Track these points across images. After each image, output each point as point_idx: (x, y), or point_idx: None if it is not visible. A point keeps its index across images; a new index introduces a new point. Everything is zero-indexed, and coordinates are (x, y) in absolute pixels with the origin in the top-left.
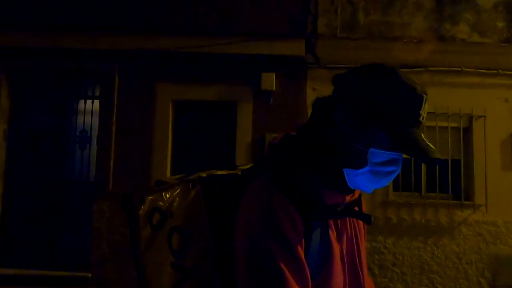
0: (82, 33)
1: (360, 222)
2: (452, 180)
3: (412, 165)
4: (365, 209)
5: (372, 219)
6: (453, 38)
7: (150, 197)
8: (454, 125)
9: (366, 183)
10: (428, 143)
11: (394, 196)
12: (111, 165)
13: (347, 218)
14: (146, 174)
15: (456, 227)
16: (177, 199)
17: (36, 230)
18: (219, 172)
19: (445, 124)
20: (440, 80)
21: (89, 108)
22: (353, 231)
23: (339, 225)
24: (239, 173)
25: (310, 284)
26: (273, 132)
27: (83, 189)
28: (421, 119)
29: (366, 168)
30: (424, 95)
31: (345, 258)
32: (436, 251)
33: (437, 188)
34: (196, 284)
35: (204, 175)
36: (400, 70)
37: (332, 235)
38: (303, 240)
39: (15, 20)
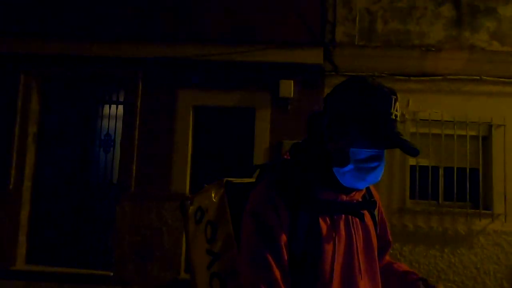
0: (108, 41)
1: (370, 223)
2: (470, 189)
3: (430, 173)
4: (383, 214)
5: (364, 215)
6: (472, 46)
7: (196, 199)
8: (473, 133)
9: (354, 179)
10: (402, 137)
11: (411, 203)
12: (134, 168)
13: (349, 219)
14: (167, 177)
15: (474, 236)
16: (210, 198)
17: (62, 229)
18: (245, 180)
19: (463, 132)
20: (459, 88)
21: (113, 113)
22: (353, 229)
23: (335, 219)
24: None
25: (286, 262)
26: (290, 138)
27: (106, 191)
28: (393, 117)
29: (351, 166)
30: (393, 96)
31: (341, 250)
32: (453, 259)
33: (455, 197)
34: (222, 265)
35: (233, 180)
36: (373, 78)
37: (325, 226)
38: (289, 228)
39: (45, 29)
